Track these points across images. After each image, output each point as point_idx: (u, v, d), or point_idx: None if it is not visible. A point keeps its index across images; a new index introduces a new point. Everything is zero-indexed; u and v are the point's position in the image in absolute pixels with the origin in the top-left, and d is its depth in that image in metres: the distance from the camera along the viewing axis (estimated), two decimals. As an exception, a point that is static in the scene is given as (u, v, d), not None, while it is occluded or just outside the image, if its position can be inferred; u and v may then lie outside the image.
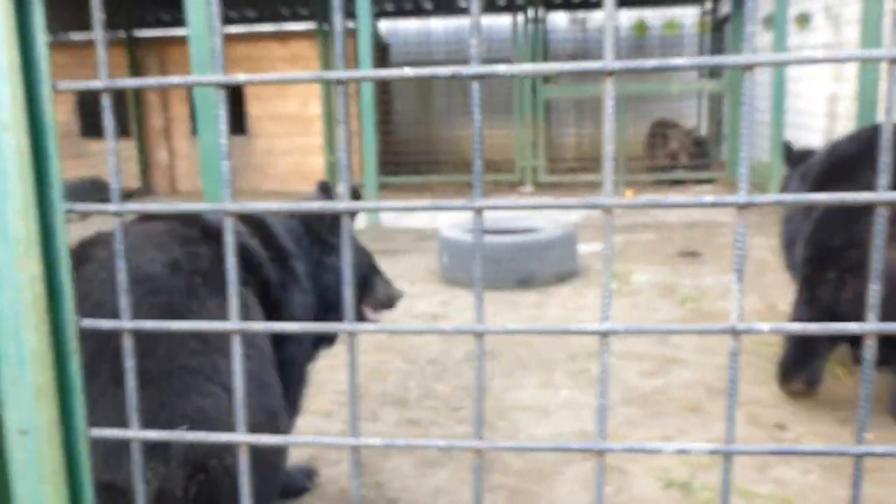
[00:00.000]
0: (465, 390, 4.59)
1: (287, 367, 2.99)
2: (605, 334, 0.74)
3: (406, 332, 0.78)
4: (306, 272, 3.20)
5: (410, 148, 13.27)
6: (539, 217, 7.83)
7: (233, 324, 0.84)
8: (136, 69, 13.26)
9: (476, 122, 0.73)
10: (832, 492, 3.46)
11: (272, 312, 2.92)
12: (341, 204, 0.76)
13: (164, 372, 2.23)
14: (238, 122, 12.91)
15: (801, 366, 4.26)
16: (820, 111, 8.21)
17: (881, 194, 0.69)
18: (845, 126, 7.61)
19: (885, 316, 2.45)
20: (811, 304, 4.12)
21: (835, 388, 4.49)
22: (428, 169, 12.82)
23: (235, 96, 12.77)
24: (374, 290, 3.62)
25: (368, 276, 3.62)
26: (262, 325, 0.84)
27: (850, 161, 4.10)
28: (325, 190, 3.60)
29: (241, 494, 0.95)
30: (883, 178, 0.71)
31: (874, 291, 0.72)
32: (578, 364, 5.03)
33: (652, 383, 4.68)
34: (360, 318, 3.65)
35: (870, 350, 0.75)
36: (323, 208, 0.75)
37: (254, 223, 3.09)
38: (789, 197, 0.70)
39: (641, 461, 3.74)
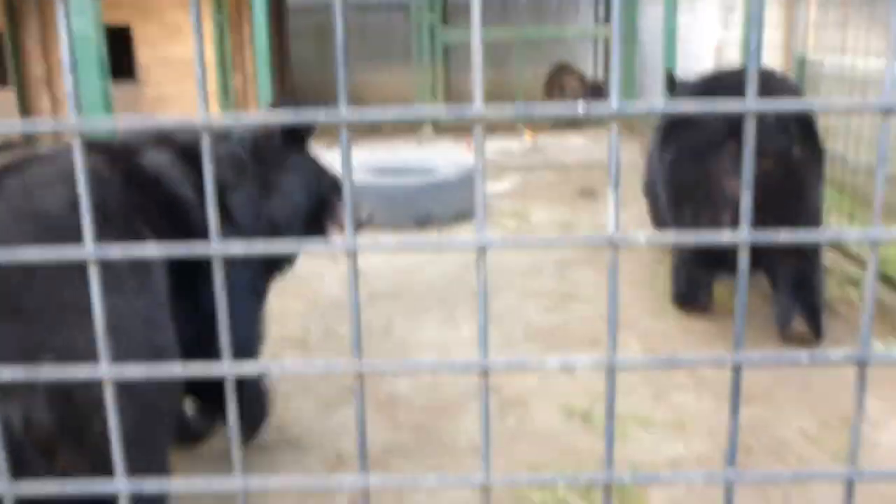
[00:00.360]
0: (367, 331, 4.59)
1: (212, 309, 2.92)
2: (481, 248, 0.73)
3: (275, 251, 0.75)
4: (247, 203, 3.09)
5: (308, 93, 13.00)
6: (438, 157, 7.81)
7: (90, 250, 0.80)
8: (13, 14, 12.55)
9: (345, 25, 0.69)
10: (723, 416, 3.59)
11: (199, 259, 2.83)
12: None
13: (42, 307, 2.20)
14: (126, 68, 12.37)
15: (693, 293, 4.61)
16: (708, 57, 8.38)
17: (750, 103, 0.69)
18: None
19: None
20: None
21: (731, 321, 4.64)
22: (326, 114, 12.56)
23: (123, 40, 12.22)
24: (338, 211, 3.47)
25: (331, 197, 3.47)
26: (118, 251, 0.80)
27: (709, 92, 4.47)
28: (290, 99, 3.44)
29: (111, 429, 0.92)
30: (752, 88, 0.71)
31: (746, 199, 0.72)
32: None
33: (552, 319, 4.75)
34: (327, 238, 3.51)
35: (744, 260, 0.76)
36: (177, 124, 0.71)
37: (188, 157, 2.95)
38: (659, 105, 0.70)
39: (543, 393, 3.81)
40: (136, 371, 0.80)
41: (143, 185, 2.72)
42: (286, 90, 12.48)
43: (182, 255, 0.81)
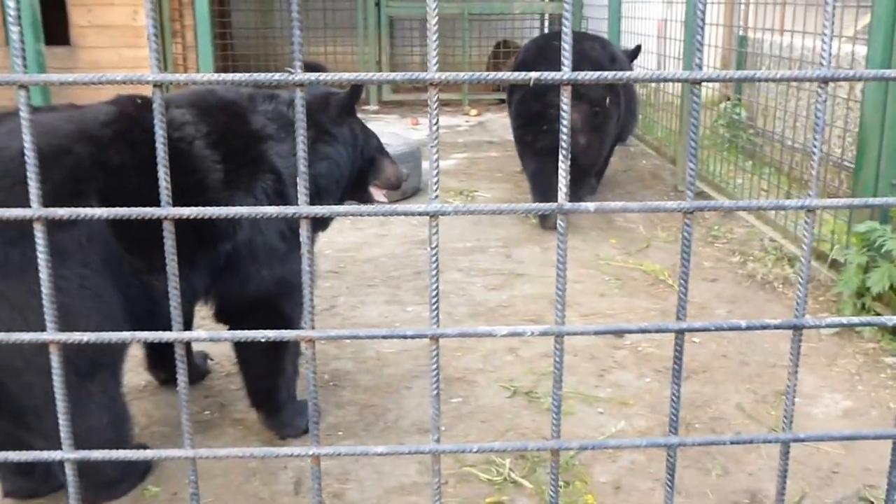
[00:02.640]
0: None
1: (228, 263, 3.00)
2: (433, 215, 0.73)
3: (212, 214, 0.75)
4: (291, 158, 3.12)
5: (250, 63, 12.74)
6: (385, 134, 7.75)
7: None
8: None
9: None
10: (664, 393, 3.66)
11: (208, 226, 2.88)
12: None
13: None
14: (60, 32, 11.89)
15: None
16: (653, 33, 8.45)
17: (695, 73, 0.70)
18: (675, 47, 7.83)
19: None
20: (535, 156, 6.12)
21: (667, 295, 4.72)
22: (268, 87, 12.37)
23: (55, 3, 11.70)
24: (380, 171, 3.70)
25: (375, 157, 3.67)
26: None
27: (539, 52, 6.51)
28: (316, 68, 3.49)
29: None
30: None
31: (691, 169, 0.74)
32: (424, 280, 5.08)
33: (497, 297, 4.78)
34: (369, 199, 3.73)
35: (688, 229, 0.78)
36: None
37: (227, 112, 3.06)
38: (609, 74, 0.71)
39: (487, 373, 3.84)
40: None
41: (140, 141, 2.72)
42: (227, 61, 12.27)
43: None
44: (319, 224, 3.57)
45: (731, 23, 7.27)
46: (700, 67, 0.72)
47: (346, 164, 3.45)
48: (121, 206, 2.47)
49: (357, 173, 3.57)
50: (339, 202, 3.58)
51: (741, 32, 7.09)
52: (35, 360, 2.40)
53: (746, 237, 5.66)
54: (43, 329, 2.25)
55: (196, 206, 2.77)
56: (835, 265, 4.60)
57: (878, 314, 4.12)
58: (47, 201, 2.38)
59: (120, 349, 2.75)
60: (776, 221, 5.51)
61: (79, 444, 1.08)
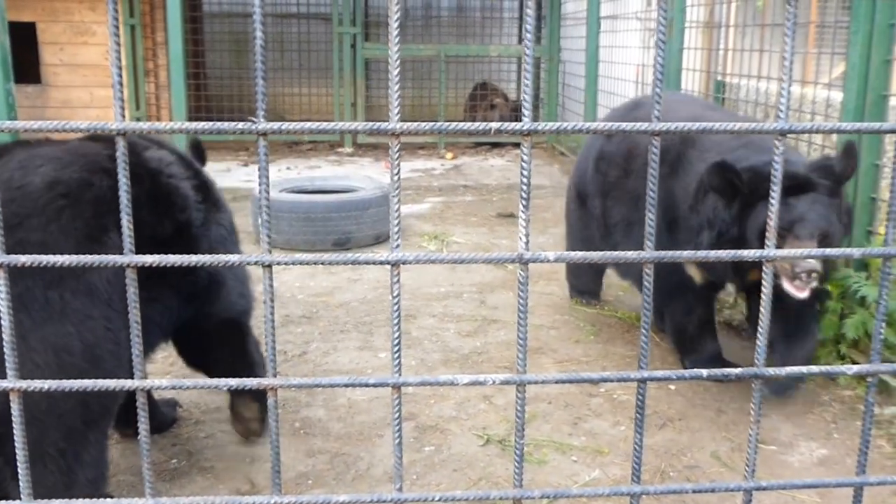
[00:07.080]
0: (281, 356, 4.53)
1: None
2: (394, 264, 0.74)
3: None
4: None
5: (224, 104, 12.70)
6: (357, 178, 7.75)
7: None
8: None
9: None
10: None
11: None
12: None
13: None
14: (31, 70, 11.77)
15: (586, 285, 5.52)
16: (630, 79, 8.56)
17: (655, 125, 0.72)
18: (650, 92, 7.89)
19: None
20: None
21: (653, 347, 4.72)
22: (244, 127, 12.34)
23: (26, 41, 11.59)
24: None
25: None
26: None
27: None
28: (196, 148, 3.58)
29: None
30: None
31: (650, 220, 0.75)
32: (399, 327, 5.06)
33: (471, 343, 4.77)
34: None
35: (648, 277, 0.79)
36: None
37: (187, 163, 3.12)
38: (569, 125, 0.72)
39: (460, 421, 3.81)
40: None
41: (143, 174, 2.78)
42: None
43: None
44: None
45: (709, 68, 7.38)
46: (658, 119, 0.73)
47: None
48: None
49: None
50: None
51: (719, 77, 7.20)
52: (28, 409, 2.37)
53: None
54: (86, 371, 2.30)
55: (187, 240, 2.89)
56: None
57: (855, 362, 4.14)
58: (81, 237, 2.40)
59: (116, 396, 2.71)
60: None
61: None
